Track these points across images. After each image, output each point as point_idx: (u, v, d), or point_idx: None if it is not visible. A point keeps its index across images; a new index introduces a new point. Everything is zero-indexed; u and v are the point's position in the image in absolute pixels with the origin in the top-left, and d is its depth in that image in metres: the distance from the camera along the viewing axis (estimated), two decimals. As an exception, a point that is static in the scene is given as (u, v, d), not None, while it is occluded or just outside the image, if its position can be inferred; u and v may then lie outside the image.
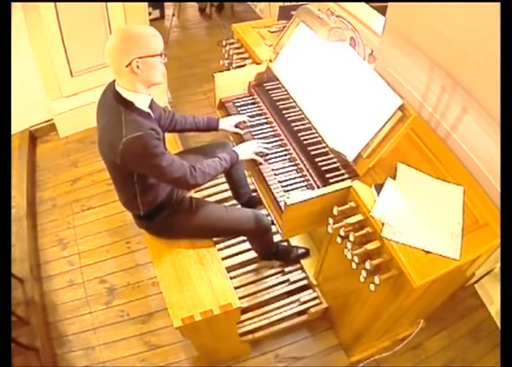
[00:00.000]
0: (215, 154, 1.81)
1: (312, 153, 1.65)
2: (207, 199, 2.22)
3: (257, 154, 1.68)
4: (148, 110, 1.45)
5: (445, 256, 1.27)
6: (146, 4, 2.74)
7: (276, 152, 1.72)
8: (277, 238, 2.05)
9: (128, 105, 1.36)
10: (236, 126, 1.83)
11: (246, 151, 1.67)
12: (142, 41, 1.30)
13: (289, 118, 1.81)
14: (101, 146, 1.46)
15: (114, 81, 1.41)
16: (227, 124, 1.83)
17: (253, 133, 1.81)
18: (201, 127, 1.83)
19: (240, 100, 1.96)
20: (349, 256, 1.38)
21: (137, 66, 1.31)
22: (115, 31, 1.33)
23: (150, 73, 1.36)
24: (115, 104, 1.37)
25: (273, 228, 1.93)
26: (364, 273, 1.35)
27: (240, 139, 1.82)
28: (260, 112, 1.90)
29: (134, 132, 1.31)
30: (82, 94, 2.88)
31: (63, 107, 2.88)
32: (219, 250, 2.02)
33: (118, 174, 1.53)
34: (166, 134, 1.75)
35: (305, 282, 2.09)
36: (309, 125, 1.71)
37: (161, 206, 1.64)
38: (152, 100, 1.56)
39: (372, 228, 1.37)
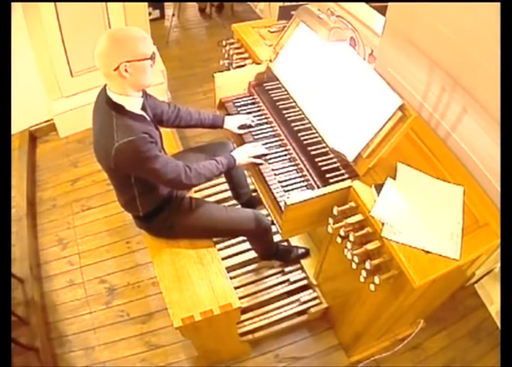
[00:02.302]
0: (214, 154, 1.82)
1: (312, 153, 1.65)
2: (207, 199, 2.22)
3: (255, 157, 1.67)
4: (141, 112, 1.44)
5: (445, 256, 1.27)
6: (146, 4, 2.74)
7: (276, 152, 1.72)
8: (277, 238, 2.05)
9: (119, 109, 1.36)
10: (241, 127, 1.82)
11: (243, 155, 1.66)
12: (129, 45, 1.29)
13: (289, 118, 1.81)
14: (96, 151, 1.45)
15: (106, 85, 1.41)
16: (232, 124, 1.81)
17: (253, 133, 1.81)
18: (206, 124, 1.81)
19: (240, 100, 1.96)
20: (349, 256, 1.38)
21: (126, 70, 1.29)
22: (103, 34, 1.31)
23: (139, 77, 1.35)
24: (106, 108, 1.37)
25: (273, 229, 1.93)
26: (364, 273, 1.35)
27: (240, 140, 1.82)
28: (260, 112, 1.90)
29: (126, 137, 1.31)
30: (82, 94, 2.88)
31: (63, 107, 2.88)
32: (219, 250, 2.02)
33: (115, 177, 1.53)
34: (166, 134, 1.76)
35: (305, 282, 2.09)
36: (309, 125, 1.71)
37: (160, 207, 1.64)
38: (150, 97, 1.55)
39: (372, 228, 1.37)
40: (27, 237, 2.35)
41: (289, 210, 1.40)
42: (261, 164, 1.67)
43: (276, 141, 1.77)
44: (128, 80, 1.33)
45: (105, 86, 1.41)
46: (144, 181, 1.51)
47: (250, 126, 1.82)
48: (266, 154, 1.70)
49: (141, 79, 1.36)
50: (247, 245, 2.12)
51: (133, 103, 1.40)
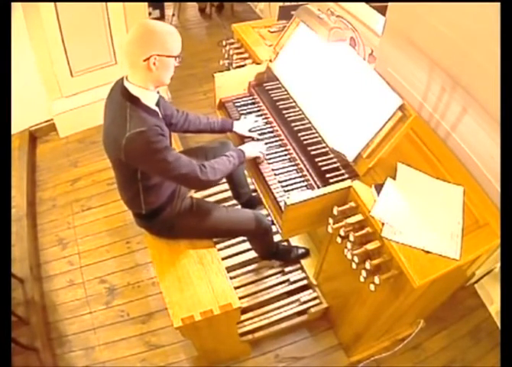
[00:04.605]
0: (215, 153, 1.82)
1: (312, 153, 1.66)
2: (207, 199, 2.22)
3: (261, 152, 1.69)
4: (155, 108, 1.44)
5: (445, 256, 1.27)
6: (146, 4, 2.74)
7: (276, 152, 1.73)
8: (277, 238, 2.05)
9: (134, 101, 1.36)
10: (250, 130, 1.82)
11: (252, 149, 1.67)
12: (166, 39, 1.31)
13: (289, 118, 1.81)
14: (106, 143, 1.45)
15: (122, 78, 1.41)
16: (241, 128, 1.81)
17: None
18: (215, 128, 1.82)
19: (240, 100, 1.96)
20: (349, 256, 1.38)
21: (154, 63, 1.31)
22: (140, 23, 1.32)
23: (162, 73, 1.36)
24: (121, 99, 1.37)
25: (273, 229, 1.93)
26: (364, 273, 1.35)
27: (240, 141, 1.82)
28: (260, 112, 1.90)
29: (138, 128, 1.31)
30: (82, 94, 2.88)
31: (63, 107, 2.88)
32: (219, 250, 2.02)
33: (122, 172, 1.53)
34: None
35: (305, 282, 2.09)
36: (309, 125, 1.71)
37: (163, 206, 1.64)
38: (162, 98, 1.56)
39: (372, 229, 1.37)
40: (27, 237, 2.35)
41: (289, 210, 1.40)
42: (261, 162, 1.68)
43: (276, 141, 1.77)
44: (153, 74, 1.34)
45: (120, 79, 1.42)
46: (149, 178, 1.50)
47: (258, 128, 1.83)
48: (266, 154, 1.70)
49: (163, 76, 1.38)
50: (247, 245, 2.12)
51: (149, 97, 1.41)
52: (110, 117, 1.43)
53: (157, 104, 1.47)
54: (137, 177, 1.48)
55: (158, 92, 1.48)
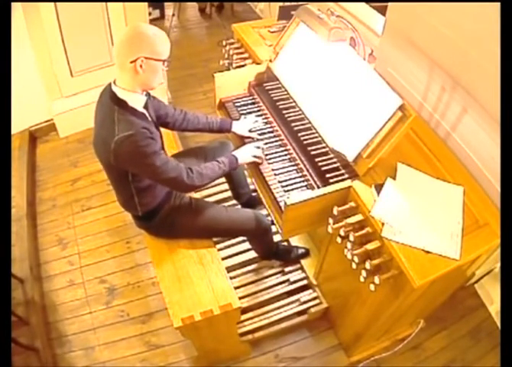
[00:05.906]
0: (215, 153, 1.82)
1: (312, 153, 1.65)
2: (207, 199, 2.22)
3: (256, 157, 1.68)
4: (143, 110, 1.45)
5: (445, 256, 1.27)
6: (146, 4, 2.74)
7: (276, 152, 1.72)
8: (277, 238, 2.05)
9: (122, 105, 1.37)
10: (249, 131, 1.82)
11: (245, 155, 1.67)
12: (154, 42, 1.31)
13: (289, 118, 1.81)
14: (96, 146, 1.46)
15: (110, 83, 1.42)
16: (241, 129, 1.81)
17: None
18: (214, 128, 1.81)
19: (240, 100, 1.96)
20: (349, 256, 1.38)
21: (141, 66, 1.31)
22: (131, 25, 1.34)
23: (150, 76, 1.36)
24: (109, 103, 1.38)
25: (273, 228, 1.93)
26: (364, 273, 1.36)
27: (240, 141, 1.82)
28: (260, 112, 1.90)
29: (126, 131, 1.32)
30: (82, 94, 2.88)
31: (63, 107, 2.88)
32: (219, 250, 2.02)
33: (113, 175, 1.53)
34: (166, 134, 1.76)
35: (305, 282, 2.09)
36: (309, 125, 1.71)
37: (160, 207, 1.64)
38: (153, 99, 1.55)
39: (372, 229, 1.37)
40: (27, 237, 2.35)
41: (289, 210, 1.40)
42: (261, 163, 1.67)
43: (276, 141, 1.77)
44: (139, 77, 1.34)
45: (109, 83, 1.42)
46: (141, 180, 1.50)
47: (258, 128, 1.82)
48: (266, 154, 1.70)
49: (150, 79, 1.38)
50: (247, 245, 2.12)
51: (136, 100, 1.41)
52: (100, 121, 1.44)
53: (145, 106, 1.47)
54: (128, 179, 1.49)
55: (147, 95, 1.48)
